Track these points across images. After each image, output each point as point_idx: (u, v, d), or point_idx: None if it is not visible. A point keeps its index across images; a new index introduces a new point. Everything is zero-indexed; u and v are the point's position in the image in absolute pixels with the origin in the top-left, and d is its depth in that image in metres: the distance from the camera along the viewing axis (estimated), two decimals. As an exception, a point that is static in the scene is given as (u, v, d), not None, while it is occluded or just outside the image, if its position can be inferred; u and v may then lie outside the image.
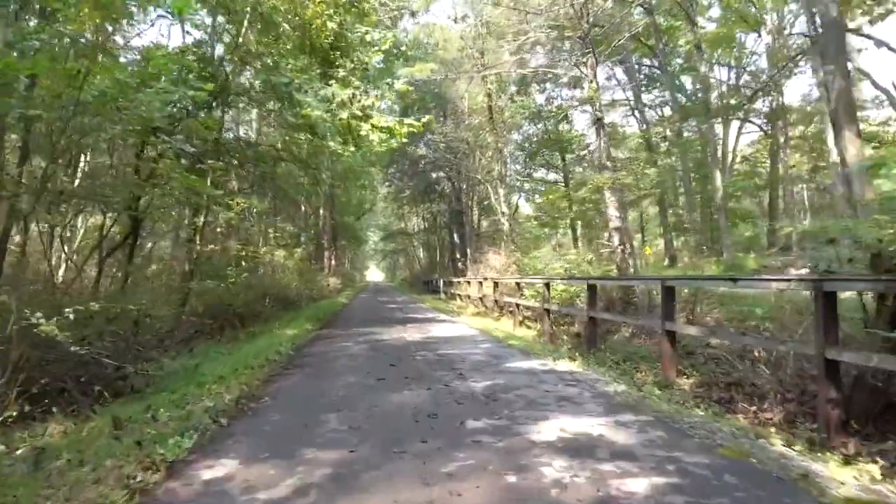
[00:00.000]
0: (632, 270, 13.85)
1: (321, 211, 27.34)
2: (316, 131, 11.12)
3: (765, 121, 27.47)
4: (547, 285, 12.49)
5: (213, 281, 11.92)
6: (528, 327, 14.35)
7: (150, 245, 20.61)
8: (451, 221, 35.59)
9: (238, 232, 14.20)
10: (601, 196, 18.42)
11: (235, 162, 12.06)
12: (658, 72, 26.14)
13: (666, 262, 21.93)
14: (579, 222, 31.15)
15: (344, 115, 10.75)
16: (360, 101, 10.09)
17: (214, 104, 11.44)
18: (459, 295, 23.44)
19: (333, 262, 35.26)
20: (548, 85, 29.25)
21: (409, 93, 15.78)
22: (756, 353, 6.67)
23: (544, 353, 8.13)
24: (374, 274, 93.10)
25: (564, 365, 6.96)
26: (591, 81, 13.53)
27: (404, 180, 35.98)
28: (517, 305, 14.35)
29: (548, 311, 12.29)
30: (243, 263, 13.00)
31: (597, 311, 10.31)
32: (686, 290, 11.04)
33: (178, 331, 10.84)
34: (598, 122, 13.78)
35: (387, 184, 38.88)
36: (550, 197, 12.97)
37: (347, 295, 29.37)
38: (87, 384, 5.74)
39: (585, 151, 27.98)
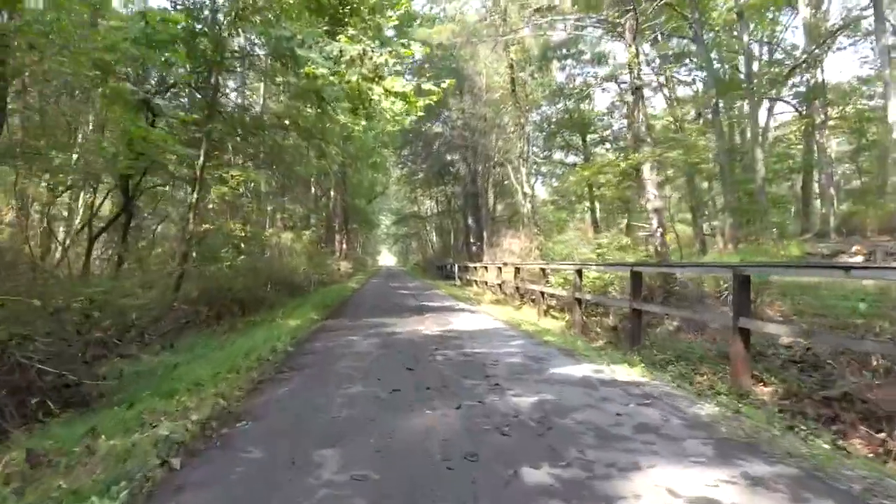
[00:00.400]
0: (671, 257, 12.39)
1: (332, 192, 25.98)
2: (322, 96, 9.72)
3: (799, 100, 25.65)
4: (579, 272, 11.13)
5: (209, 264, 10.62)
6: (554, 317, 13.02)
7: (156, 227, 19.46)
8: (465, 205, 34.14)
9: (237, 210, 12.85)
10: (626, 176, 16.95)
11: (235, 133, 10.70)
12: (687, 47, 24.36)
13: (696, 248, 20.39)
14: (598, 206, 29.64)
15: (353, 77, 9.33)
16: (371, 57, 8.65)
17: (210, 67, 10.08)
18: (476, 281, 22.10)
19: (345, 245, 33.99)
20: (569, 62, 27.64)
21: (427, 56, 14.36)
22: (875, 361, 5.26)
23: (590, 354, 6.75)
24: (386, 258, 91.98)
25: (622, 371, 5.58)
26: (630, 45, 12.00)
27: (417, 162, 34.56)
28: (542, 294, 12.99)
29: (579, 300, 10.95)
30: (242, 245, 11.68)
31: (642, 301, 8.94)
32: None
33: (166, 320, 9.57)
34: (636, 92, 12.28)
35: (400, 166, 37.44)
36: (586, 173, 11.58)
37: (359, 280, 28.10)
38: (22, 395, 4.45)
39: (609, 131, 26.48)
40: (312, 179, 27.03)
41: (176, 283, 10.76)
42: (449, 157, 30.34)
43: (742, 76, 22.12)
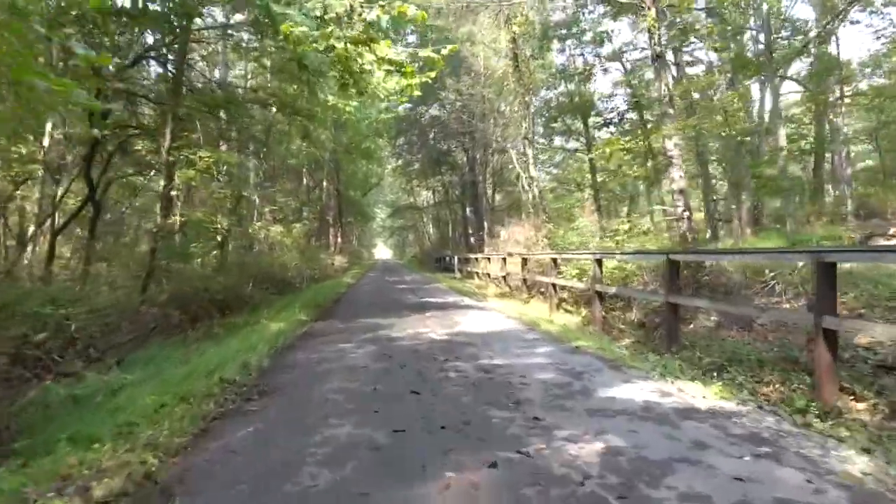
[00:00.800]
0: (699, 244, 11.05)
1: (324, 183, 24.50)
2: (305, 64, 8.29)
3: (810, 78, 24.24)
4: (599, 262, 9.83)
5: (181, 261, 9.22)
6: (568, 311, 11.72)
7: (138, 223, 17.99)
8: (463, 194, 32.73)
9: (220, 202, 11.41)
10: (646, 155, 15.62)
11: (206, 110, 9.26)
12: (694, 20, 22.87)
13: (708, 234, 19.06)
14: (601, 193, 28.26)
15: (340, 44, 7.88)
16: (360, 14, 7.21)
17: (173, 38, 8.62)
18: (477, 273, 20.74)
19: (339, 239, 32.55)
20: (569, 43, 26.13)
21: (421, 36, 12.93)
22: None
23: (638, 364, 5.39)
24: (383, 251, 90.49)
25: (693, 391, 4.23)
26: (650, 8, 10.58)
27: (413, 151, 33.09)
28: (553, 286, 11.66)
29: (599, 293, 9.67)
30: (220, 239, 10.25)
31: (680, 295, 7.65)
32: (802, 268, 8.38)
33: (130, 326, 8.18)
34: (658, 59, 10.87)
35: (395, 156, 35.94)
36: (610, 150, 10.22)
37: (354, 274, 26.67)
38: None
39: (613, 113, 25.02)
40: (304, 170, 25.58)
41: (143, 283, 9.36)
42: (446, 146, 28.87)
43: (750, 53, 20.73)
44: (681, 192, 10.76)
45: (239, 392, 4.63)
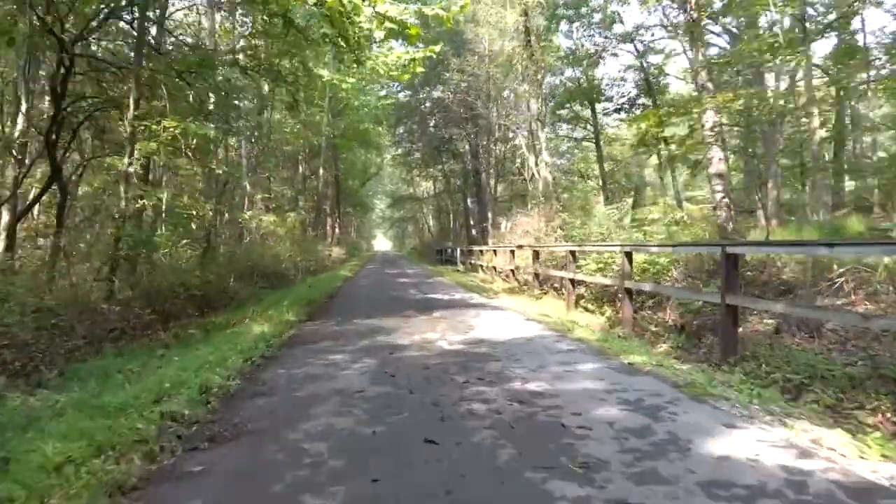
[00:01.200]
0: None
1: (321, 171, 23.07)
2: (292, 20, 6.89)
3: (831, 62, 22.79)
4: (628, 256, 8.54)
5: (145, 250, 7.85)
6: (588, 310, 10.44)
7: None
8: (465, 184, 31.31)
9: (188, 181, 9.92)
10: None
11: (174, 74, 7.85)
12: None
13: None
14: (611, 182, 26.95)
15: (333, -5, 6.50)
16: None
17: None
18: (482, 266, 19.41)
19: (337, 230, 31.16)
20: (576, 25, 24.68)
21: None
22: None
23: (716, 389, 4.04)
24: (382, 243, 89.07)
25: (835, 442, 2.89)
26: (686, -34, 9.20)
27: (413, 139, 31.63)
28: (571, 282, 10.36)
29: (629, 291, 8.36)
30: (194, 226, 8.87)
31: (741, 294, 6.42)
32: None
33: (84, 329, 6.83)
34: (691, 26, 9.51)
35: (394, 145, 34.47)
36: (643, 125, 8.85)
37: (352, 266, 25.31)
38: None
39: (624, 98, 23.61)
40: (301, 157, 24.16)
41: (107, 277, 8.00)
42: (448, 133, 27.41)
43: (776, 30, 19.24)
44: (720, 176, 9.44)
45: (186, 434, 3.30)
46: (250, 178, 15.65)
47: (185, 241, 8.26)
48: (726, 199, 9.24)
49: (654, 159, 38.45)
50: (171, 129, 7.40)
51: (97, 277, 7.70)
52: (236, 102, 12.90)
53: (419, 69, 12.41)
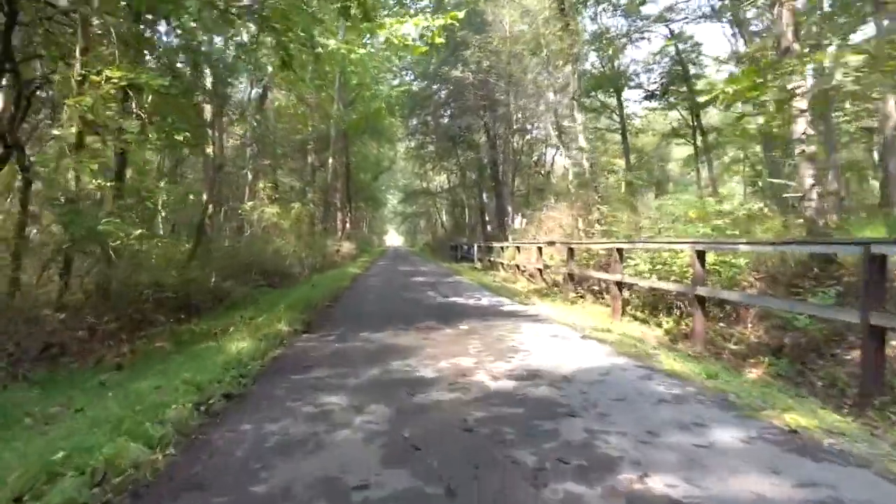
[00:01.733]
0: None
1: (330, 161, 21.34)
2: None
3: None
4: (700, 255, 6.78)
5: (93, 241, 6.16)
6: (637, 318, 8.66)
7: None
8: (480, 177, 29.44)
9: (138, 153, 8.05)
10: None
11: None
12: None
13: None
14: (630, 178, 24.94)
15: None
16: None
17: None
18: (502, 264, 17.61)
19: (348, 224, 29.44)
20: (601, 8, 22.70)
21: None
22: None
23: None
24: (393, 238, 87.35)
25: None
26: None
27: (428, 129, 29.86)
28: (618, 285, 8.59)
29: (702, 299, 6.57)
30: (163, 213, 7.14)
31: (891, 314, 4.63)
32: None
33: (11, 345, 5.14)
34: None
35: (408, 136, 32.67)
36: (739, 87, 7.18)
37: (363, 263, 23.58)
38: None
39: (656, 84, 21.60)
40: (310, 147, 22.47)
41: (60, 274, 6.31)
42: (464, 123, 25.61)
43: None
44: (808, 159, 7.58)
45: None
46: (252, 164, 13.98)
47: (138, 232, 6.54)
48: (817, 187, 7.42)
49: (676, 152, 36.47)
50: (116, 80, 5.65)
51: (41, 276, 6.03)
52: (229, 80, 11.24)
53: (438, 40, 10.68)
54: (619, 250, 8.76)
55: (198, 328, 7.32)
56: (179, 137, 6.97)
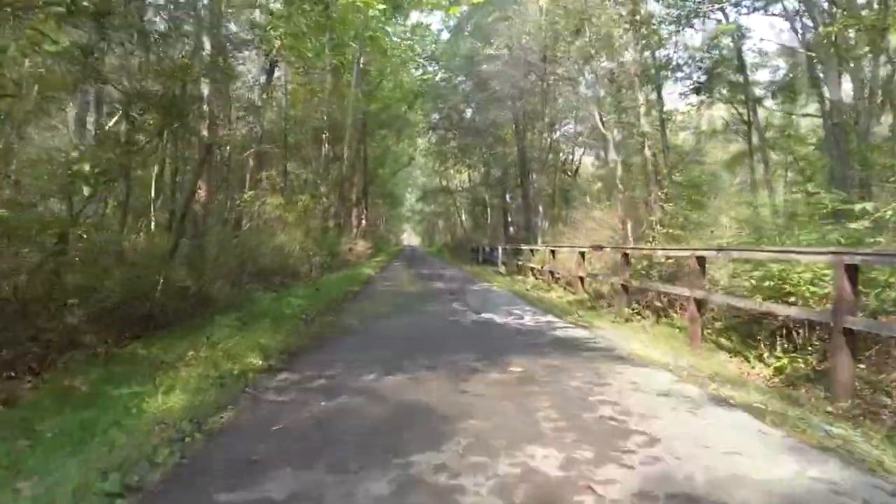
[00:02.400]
0: None
1: (345, 150, 19.32)
2: None
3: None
4: (850, 271, 4.48)
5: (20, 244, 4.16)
6: (722, 347, 6.45)
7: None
8: (504, 175, 27.28)
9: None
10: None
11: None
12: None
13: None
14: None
15: None
16: None
17: None
18: (532, 269, 15.41)
19: (364, 221, 27.41)
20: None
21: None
22: None
23: None
24: (410, 237, 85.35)
25: None
26: None
27: (450, 122, 27.83)
28: (698, 304, 6.40)
29: (850, 333, 4.25)
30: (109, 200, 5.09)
31: None
32: None
33: None
34: None
35: (430, 129, 30.62)
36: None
37: (378, 263, 21.52)
38: None
39: (704, 76, 19.19)
40: (324, 136, 20.44)
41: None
42: (490, 116, 23.52)
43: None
44: None
45: None
46: (255, 147, 12.00)
47: (81, 230, 4.53)
48: None
49: (714, 154, 33.83)
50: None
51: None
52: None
53: (475, -1, 8.62)
54: (700, 259, 6.54)
55: (145, 351, 5.27)
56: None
